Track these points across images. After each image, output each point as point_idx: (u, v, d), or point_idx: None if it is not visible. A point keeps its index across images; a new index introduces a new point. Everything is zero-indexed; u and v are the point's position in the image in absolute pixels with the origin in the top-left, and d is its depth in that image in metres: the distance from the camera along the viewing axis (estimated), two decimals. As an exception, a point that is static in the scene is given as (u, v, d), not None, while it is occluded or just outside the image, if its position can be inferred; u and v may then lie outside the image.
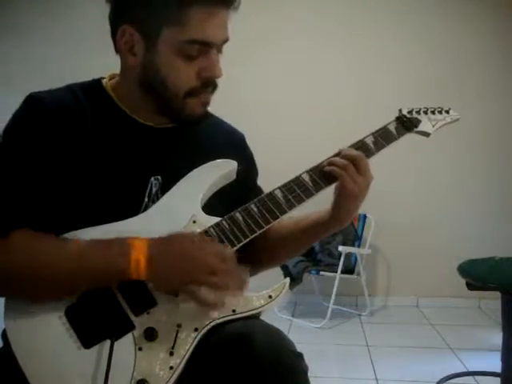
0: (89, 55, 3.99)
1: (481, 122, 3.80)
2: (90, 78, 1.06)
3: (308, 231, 1.10)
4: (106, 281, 0.88)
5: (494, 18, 3.93)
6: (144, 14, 0.92)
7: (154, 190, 1.00)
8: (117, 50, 1.00)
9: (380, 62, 4.03)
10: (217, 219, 0.96)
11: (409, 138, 1.15)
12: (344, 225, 1.06)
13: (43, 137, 0.92)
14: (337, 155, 1.03)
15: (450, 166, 3.98)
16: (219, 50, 0.98)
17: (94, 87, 1.03)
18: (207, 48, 0.94)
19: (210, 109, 1.04)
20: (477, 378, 2.53)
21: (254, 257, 1.04)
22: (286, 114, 4.03)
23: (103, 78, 1.05)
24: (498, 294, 1.94)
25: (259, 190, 1.19)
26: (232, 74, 0.99)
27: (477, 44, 3.97)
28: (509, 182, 3.97)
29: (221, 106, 1.12)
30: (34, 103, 0.94)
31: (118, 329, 0.87)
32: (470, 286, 1.95)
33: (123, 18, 0.94)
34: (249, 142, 1.20)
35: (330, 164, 1.01)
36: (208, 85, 0.97)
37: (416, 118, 1.15)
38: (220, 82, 1.01)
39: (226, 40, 0.98)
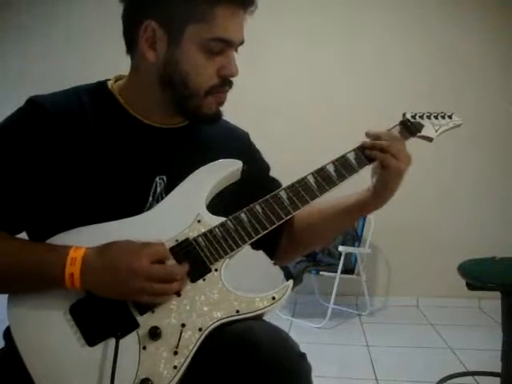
0: (89, 55, 4.01)
1: (481, 122, 3.80)
2: (89, 79, 1.06)
3: (348, 213, 1.10)
4: (42, 286, 0.89)
5: (495, 19, 3.94)
6: (170, 10, 0.93)
7: (158, 189, 1.00)
8: (129, 48, 1.00)
9: (381, 63, 4.04)
10: (221, 219, 0.97)
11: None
12: (386, 202, 1.07)
13: (36, 139, 0.92)
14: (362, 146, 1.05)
15: (449, 165, 3.98)
16: (235, 50, 0.99)
17: (99, 90, 1.03)
18: (228, 47, 0.96)
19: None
20: (477, 378, 2.53)
21: (281, 245, 1.13)
22: (287, 114, 4.03)
23: (109, 80, 1.06)
24: (498, 294, 1.95)
25: (276, 182, 1.18)
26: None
27: (476, 46, 3.97)
28: (509, 182, 3.97)
29: (223, 106, 1.13)
30: (32, 106, 0.95)
31: (122, 327, 0.88)
32: (469, 286, 1.96)
33: (146, 14, 0.94)
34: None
35: (372, 148, 1.03)
36: (225, 83, 0.98)
37: (419, 123, 1.15)
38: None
39: (243, 41, 0.99)
